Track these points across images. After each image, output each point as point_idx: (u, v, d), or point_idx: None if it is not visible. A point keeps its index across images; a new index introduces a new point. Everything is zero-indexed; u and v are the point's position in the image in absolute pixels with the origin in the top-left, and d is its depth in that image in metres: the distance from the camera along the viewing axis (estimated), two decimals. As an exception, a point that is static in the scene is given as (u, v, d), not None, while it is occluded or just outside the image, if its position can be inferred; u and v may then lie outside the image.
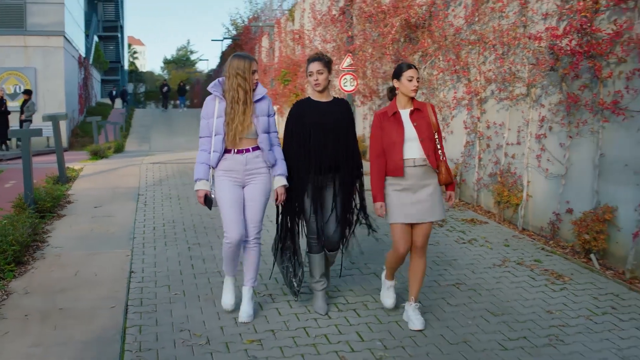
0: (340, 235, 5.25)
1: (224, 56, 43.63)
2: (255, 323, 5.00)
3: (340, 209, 5.22)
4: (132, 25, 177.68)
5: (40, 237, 7.38)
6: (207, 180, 4.97)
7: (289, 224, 5.27)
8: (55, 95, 24.03)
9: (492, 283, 6.06)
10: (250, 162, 4.95)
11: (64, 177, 11.03)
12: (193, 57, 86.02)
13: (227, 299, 5.17)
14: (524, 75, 8.06)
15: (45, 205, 8.38)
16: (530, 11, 7.92)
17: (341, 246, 5.41)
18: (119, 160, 15.88)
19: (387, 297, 5.22)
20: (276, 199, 5.11)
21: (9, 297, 5.54)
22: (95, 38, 44.83)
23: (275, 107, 18.53)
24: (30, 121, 20.52)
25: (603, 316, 5.28)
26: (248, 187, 5.01)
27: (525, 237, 7.72)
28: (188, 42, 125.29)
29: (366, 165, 5.69)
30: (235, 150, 4.93)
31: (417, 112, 4.92)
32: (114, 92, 44.16)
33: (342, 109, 5.24)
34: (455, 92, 9.89)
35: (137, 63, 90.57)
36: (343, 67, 13.07)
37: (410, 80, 4.84)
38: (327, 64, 5.14)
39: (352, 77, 12.65)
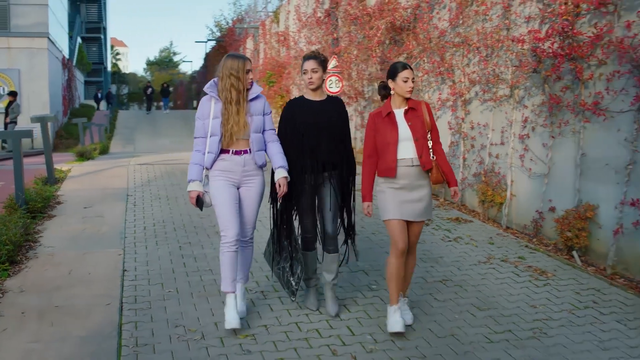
0: (337, 232, 5.24)
1: (208, 58, 43.64)
2: (249, 319, 5.13)
3: (338, 207, 5.23)
4: (115, 26, 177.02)
5: (32, 237, 7.46)
6: (200, 181, 4.94)
7: (285, 224, 5.24)
8: (39, 97, 23.95)
9: (478, 279, 6.22)
10: (248, 163, 4.93)
11: (53, 178, 11.08)
12: (176, 58, 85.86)
13: (231, 317, 4.79)
14: (508, 77, 8.24)
15: (36, 206, 8.46)
16: (513, 14, 8.10)
17: (345, 257, 5.48)
18: (105, 161, 15.92)
19: (396, 322, 4.77)
20: (272, 194, 5.15)
21: (4, 295, 5.62)
22: (79, 39, 44.65)
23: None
24: (15, 123, 20.46)
25: (585, 310, 5.46)
26: (244, 188, 5.00)
27: (509, 235, 7.90)
28: (171, 44, 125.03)
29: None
30: (233, 151, 4.90)
31: (412, 111, 4.89)
32: (100, 95, 44.03)
33: (336, 107, 5.24)
34: (440, 94, 10.05)
35: (120, 64, 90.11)
36: (328, 68, 13.20)
37: (406, 82, 4.80)
38: (322, 62, 5.13)
39: (337, 78, 12.77)
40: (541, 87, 7.58)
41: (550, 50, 7.16)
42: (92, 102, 42.85)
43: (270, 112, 5.15)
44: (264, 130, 5.03)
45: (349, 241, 5.45)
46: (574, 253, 6.88)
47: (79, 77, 39.89)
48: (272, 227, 5.35)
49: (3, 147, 20.74)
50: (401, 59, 11.16)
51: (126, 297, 5.64)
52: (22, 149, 8.76)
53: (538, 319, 5.25)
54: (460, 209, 9.28)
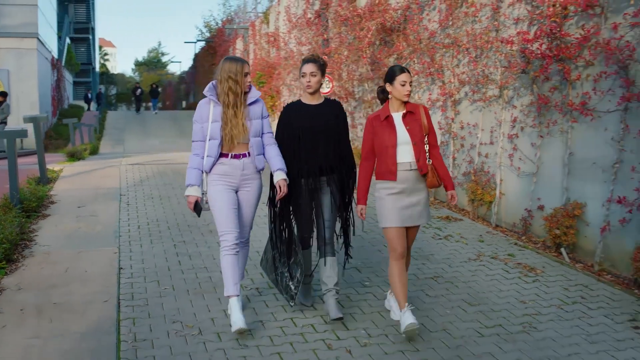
0: (333, 234, 5.20)
1: (197, 58, 43.64)
2: (245, 315, 5.20)
3: (336, 211, 5.20)
4: (103, 26, 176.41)
5: (27, 236, 7.51)
6: (199, 186, 4.92)
7: (283, 229, 5.21)
8: (28, 97, 23.91)
9: (468, 276, 6.34)
10: (247, 167, 4.93)
11: (45, 178, 11.12)
12: (164, 59, 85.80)
13: (237, 318, 4.75)
14: (497, 77, 8.38)
15: (30, 205, 8.52)
16: (502, 16, 8.23)
17: (345, 263, 5.54)
18: (96, 161, 15.95)
19: (408, 318, 4.67)
20: (271, 197, 5.15)
21: (2, 293, 5.69)
22: (68, 40, 44.52)
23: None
24: (5, 123, 20.42)
25: (573, 305, 5.59)
26: (242, 192, 4.99)
27: (498, 233, 8.03)
28: (159, 44, 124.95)
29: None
30: (233, 155, 4.89)
31: (410, 115, 4.87)
32: (90, 95, 43.95)
33: (333, 110, 5.20)
34: (430, 94, 10.18)
35: (108, 65, 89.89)
36: (319, 69, 13.32)
37: (404, 85, 4.78)
38: (322, 66, 5.10)
39: (328, 79, 12.92)
40: (530, 88, 7.71)
41: (539, 52, 7.30)
42: (80, 103, 42.77)
43: (268, 115, 5.15)
44: (262, 134, 5.02)
45: (345, 243, 5.43)
46: (562, 250, 7.01)
47: (68, 77, 39.80)
48: (270, 231, 5.31)
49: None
50: (391, 59, 11.29)
51: (123, 294, 5.72)
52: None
53: (528, 313, 5.37)
54: (450, 208, 9.41)
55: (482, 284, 6.10)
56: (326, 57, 13.45)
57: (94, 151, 20.09)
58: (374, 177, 4.99)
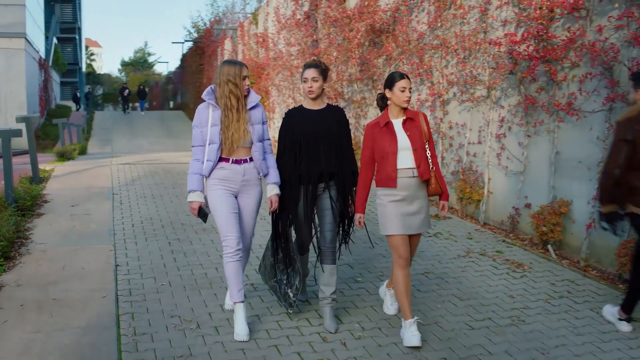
0: (335, 241, 5.12)
1: (185, 58, 43.60)
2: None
3: (337, 218, 5.11)
4: (89, 26, 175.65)
5: (23, 234, 7.61)
6: (201, 191, 4.86)
7: (282, 235, 5.13)
8: (16, 98, 23.89)
9: (458, 272, 6.50)
10: (247, 172, 4.88)
11: (37, 178, 11.19)
12: (151, 59, 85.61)
13: (240, 329, 4.80)
14: (485, 78, 8.55)
15: (25, 204, 8.61)
16: (490, 18, 8.40)
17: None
18: (86, 161, 16.02)
19: (412, 336, 4.68)
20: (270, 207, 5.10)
21: (1, 289, 5.78)
22: (55, 40, 44.40)
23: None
24: (-7, 123, 20.46)
25: (560, 299, 5.76)
26: (242, 197, 4.95)
27: (486, 231, 8.20)
28: (145, 44, 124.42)
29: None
30: (233, 160, 4.84)
31: (410, 122, 4.83)
32: (78, 94, 43.85)
33: (335, 116, 5.10)
34: (419, 94, 10.33)
35: (94, 65, 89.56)
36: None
37: (403, 91, 4.74)
38: (323, 71, 5.01)
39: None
40: (517, 88, 7.89)
41: (526, 53, 7.47)
42: (67, 103, 42.65)
43: (266, 120, 5.10)
44: (262, 140, 4.99)
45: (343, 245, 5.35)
46: (549, 247, 7.19)
47: (55, 77, 39.73)
48: (270, 238, 5.30)
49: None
50: (380, 60, 11.44)
51: (121, 290, 5.83)
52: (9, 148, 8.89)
53: (516, 307, 5.53)
54: (439, 206, 9.55)
55: (471, 280, 6.26)
56: (315, 57, 13.56)
57: (82, 151, 20.13)
58: (373, 184, 4.96)
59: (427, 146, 4.83)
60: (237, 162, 4.84)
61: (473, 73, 8.76)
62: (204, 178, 4.90)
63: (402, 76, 4.78)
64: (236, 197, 4.94)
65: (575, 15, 6.85)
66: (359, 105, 12.68)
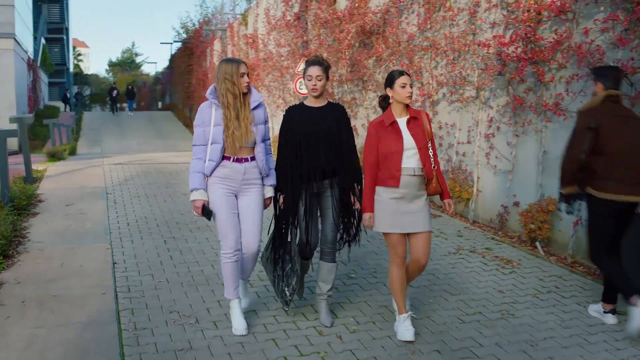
0: (335, 241, 5.13)
1: (174, 59, 43.60)
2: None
3: (337, 215, 5.09)
4: (76, 26, 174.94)
5: (19, 233, 7.69)
6: (205, 190, 4.81)
7: (283, 233, 5.13)
8: (5, 98, 23.80)
9: (449, 268, 6.65)
10: (248, 171, 4.84)
11: (31, 178, 11.26)
12: (138, 59, 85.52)
13: (238, 324, 4.91)
14: (474, 79, 8.71)
15: (21, 203, 8.70)
16: (479, 20, 8.56)
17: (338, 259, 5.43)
18: (77, 162, 16.07)
19: (406, 330, 4.83)
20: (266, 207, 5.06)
21: (1, 286, 5.88)
22: (43, 40, 44.27)
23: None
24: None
25: (548, 294, 5.93)
26: (243, 197, 4.89)
27: (476, 229, 8.37)
28: (133, 45, 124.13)
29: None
30: (235, 159, 4.79)
31: (414, 121, 4.81)
32: (68, 95, 43.75)
33: (336, 114, 5.06)
34: (409, 95, 10.45)
35: (82, 65, 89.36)
36: (298, 70, 13.61)
37: (404, 87, 4.73)
38: (327, 70, 5.00)
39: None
40: (505, 89, 8.06)
41: (514, 55, 7.64)
42: (55, 103, 42.53)
43: (268, 119, 5.09)
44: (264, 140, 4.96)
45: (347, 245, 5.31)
46: (537, 244, 7.36)
47: (44, 78, 39.62)
48: (270, 235, 5.27)
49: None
50: (370, 61, 11.59)
51: (119, 286, 5.94)
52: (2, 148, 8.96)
53: (505, 302, 5.70)
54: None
55: (462, 276, 6.42)
56: (305, 59, 13.66)
57: (72, 152, 20.17)
58: None
59: (429, 145, 4.82)
60: (238, 160, 4.80)
61: (462, 74, 8.92)
62: (205, 177, 4.85)
63: (402, 73, 4.79)
64: (237, 197, 4.90)
65: (562, 18, 7.02)
66: (349, 106, 12.82)
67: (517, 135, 7.88)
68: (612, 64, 6.23)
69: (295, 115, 5.07)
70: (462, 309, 5.53)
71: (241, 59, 5.06)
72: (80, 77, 77.92)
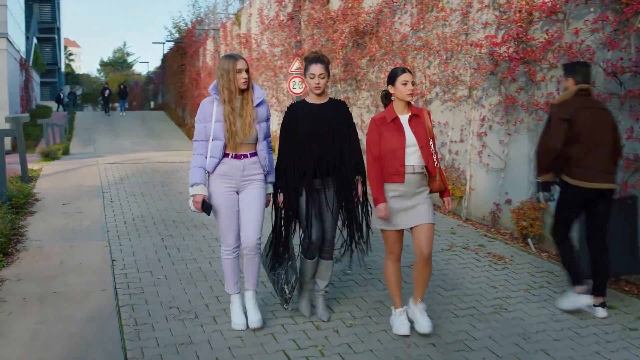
0: (334, 238, 5.15)
1: (166, 59, 43.62)
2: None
3: (338, 214, 5.10)
4: (67, 26, 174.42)
5: (18, 231, 7.76)
6: (205, 185, 4.78)
7: (283, 232, 5.11)
8: (-3, 97, 23.88)
9: (442, 265, 6.77)
10: (247, 167, 4.82)
11: (27, 177, 11.32)
12: (130, 59, 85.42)
13: (237, 319, 4.98)
14: (466, 78, 8.84)
15: (19, 202, 8.78)
16: (472, 20, 8.68)
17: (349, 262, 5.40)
18: (71, 161, 16.11)
19: (402, 325, 4.91)
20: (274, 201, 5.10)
21: (2, 283, 5.96)
22: (35, 40, 44.20)
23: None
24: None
25: (540, 289, 6.05)
26: (244, 192, 4.87)
27: (469, 226, 8.49)
28: (124, 44, 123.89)
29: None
30: (233, 155, 4.79)
31: (415, 118, 4.83)
32: (62, 95, 43.69)
33: (338, 111, 5.05)
34: (402, 94, 10.57)
35: (73, 65, 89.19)
36: (292, 70, 13.72)
37: (405, 84, 4.74)
38: (328, 67, 4.99)
39: (300, 80, 13.27)
40: (498, 88, 8.18)
41: (506, 54, 7.77)
42: (48, 103, 42.49)
43: (270, 116, 5.06)
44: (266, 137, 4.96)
45: (353, 245, 5.23)
46: (529, 240, 7.49)
47: (36, 77, 39.59)
48: (271, 233, 5.24)
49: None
50: (364, 61, 11.70)
51: (119, 283, 6.03)
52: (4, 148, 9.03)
53: (498, 297, 5.82)
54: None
55: (455, 272, 6.54)
56: (299, 58, 13.78)
57: (65, 151, 20.20)
58: None
59: (431, 143, 4.84)
60: (236, 157, 4.79)
61: (455, 74, 9.04)
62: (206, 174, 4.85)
63: (404, 70, 4.80)
64: (238, 193, 4.89)
65: (553, 19, 7.15)
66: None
67: (509, 134, 8.01)
68: (581, 60, 6.47)
69: (297, 112, 5.06)
70: (456, 303, 5.64)
71: (241, 55, 5.06)
72: (72, 77, 77.79)
